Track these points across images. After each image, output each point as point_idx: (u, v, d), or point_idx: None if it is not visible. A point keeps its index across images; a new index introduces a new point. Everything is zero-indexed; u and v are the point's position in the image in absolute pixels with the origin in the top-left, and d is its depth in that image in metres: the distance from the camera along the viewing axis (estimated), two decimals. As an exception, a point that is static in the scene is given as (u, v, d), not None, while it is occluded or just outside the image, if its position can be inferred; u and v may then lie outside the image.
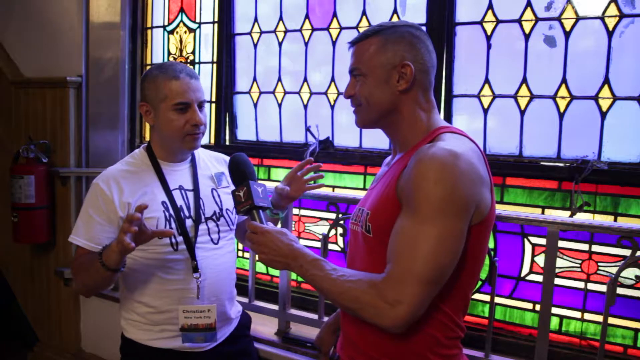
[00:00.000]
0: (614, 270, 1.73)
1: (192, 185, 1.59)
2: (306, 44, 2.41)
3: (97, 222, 1.48)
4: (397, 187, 1.12)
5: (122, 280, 1.60)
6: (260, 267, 2.48)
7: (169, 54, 2.89)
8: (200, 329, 1.53)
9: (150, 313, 1.54)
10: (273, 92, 2.52)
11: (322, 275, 1.12)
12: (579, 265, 1.83)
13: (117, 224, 1.49)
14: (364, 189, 2.27)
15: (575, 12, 1.81)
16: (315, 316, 2.08)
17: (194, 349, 1.56)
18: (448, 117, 2.04)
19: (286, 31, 2.46)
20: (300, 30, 2.42)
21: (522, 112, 1.92)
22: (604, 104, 1.78)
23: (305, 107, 2.42)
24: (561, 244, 1.78)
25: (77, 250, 1.52)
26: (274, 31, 2.49)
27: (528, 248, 1.92)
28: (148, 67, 2.94)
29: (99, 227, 1.48)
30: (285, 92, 2.48)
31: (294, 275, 2.18)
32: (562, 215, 1.84)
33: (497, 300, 1.92)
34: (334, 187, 2.35)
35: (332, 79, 2.34)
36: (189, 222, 1.55)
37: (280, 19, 2.47)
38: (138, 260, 1.52)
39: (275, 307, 2.18)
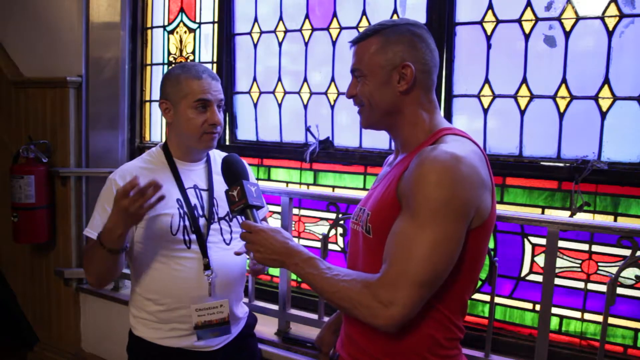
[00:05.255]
0: (614, 270, 1.73)
1: (207, 185, 1.62)
2: (306, 44, 2.41)
3: None
4: (398, 189, 1.12)
5: (133, 276, 1.62)
6: (260, 267, 2.48)
7: (169, 54, 2.89)
8: (214, 324, 1.55)
9: (161, 311, 1.55)
10: (273, 92, 2.52)
11: (317, 273, 1.12)
12: (579, 265, 1.83)
13: None
14: (364, 189, 2.27)
15: (575, 12, 1.81)
16: (315, 316, 2.08)
17: (202, 348, 1.57)
18: (448, 117, 2.04)
19: (286, 31, 2.46)
20: (300, 30, 2.42)
21: (522, 112, 1.92)
22: (604, 104, 1.78)
23: (305, 107, 2.42)
24: (561, 244, 1.78)
25: (87, 242, 1.55)
26: (274, 31, 2.49)
27: (528, 248, 1.92)
28: (148, 67, 2.95)
29: None
30: (285, 92, 2.48)
31: (294, 275, 2.18)
32: (562, 215, 1.84)
33: (497, 300, 1.92)
34: (334, 187, 2.36)
35: (332, 79, 2.34)
36: (202, 221, 1.57)
37: (280, 19, 2.47)
38: (150, 256, 1.54)
39: (275, 307, 2.18)
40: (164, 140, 2.89)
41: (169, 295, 1.54)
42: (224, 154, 1.74)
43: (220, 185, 1.63)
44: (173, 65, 2.84)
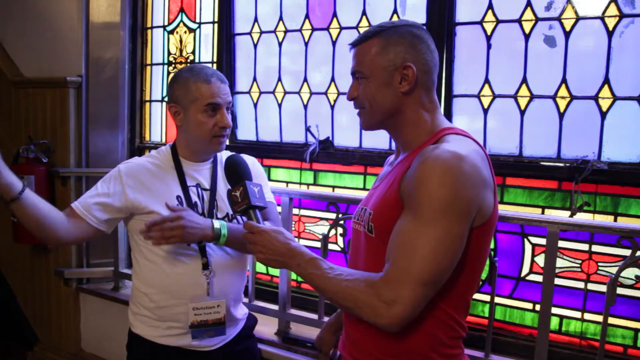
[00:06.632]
0: (614, 270, 1.73)
1: (210, 185, 1.63)
2: (306, 44, 2.41)
3: (98, 193, 1.56)
4: (400, 188, 1.12)
5: (134, 272, 1.64)
6: (260, 267, 2.48)
7: (169, 54, 2.89)
8: (209, 324, 1.55)
9: (158, 308, 1.56)
10: (273, 92, 2.52)
11: (319, 274, 1.12)
12: (579, 265, 1.83)
13: (114, 208, 1.55)
14: (364, 189, 2.27)
15: (575, 12, 1.81)
16: (315, 316, 2.08)
17: (200, 348, 1.57)
18: (448, 117, 2.04)
19: (286, 31, 2.46)
20: (300, 30, 2.42)
21: (522, 112, 1.92)
22: (604, 104, 1.78)
23: (305, 107, 2.42)
24: (561, 244, 1.78)
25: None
26: (274, 31, 2.49)
27: (528, 248, 1.92)
28: (148, 67, 2.95)
29: (97, 198, 1.56)
30: (285, 92, 2.48)
31: (294, 275, 2.19)
32: (562, 215, 1.84)
33: (497, 300, 1.92)
34: (334, 187, 2.36)
35: (332, 79, 2.34)
36: None
37: (280, 19, 2.47)
38: (150, 250, 1.55)
39: (275, 307, 2.18)
40: (164, 140, 2.92)
41: (165, 290, 1.55)
42: (230, 153, 1.75)
43: (223, 187, 1.64)
44: (173, 65, 2.85)
